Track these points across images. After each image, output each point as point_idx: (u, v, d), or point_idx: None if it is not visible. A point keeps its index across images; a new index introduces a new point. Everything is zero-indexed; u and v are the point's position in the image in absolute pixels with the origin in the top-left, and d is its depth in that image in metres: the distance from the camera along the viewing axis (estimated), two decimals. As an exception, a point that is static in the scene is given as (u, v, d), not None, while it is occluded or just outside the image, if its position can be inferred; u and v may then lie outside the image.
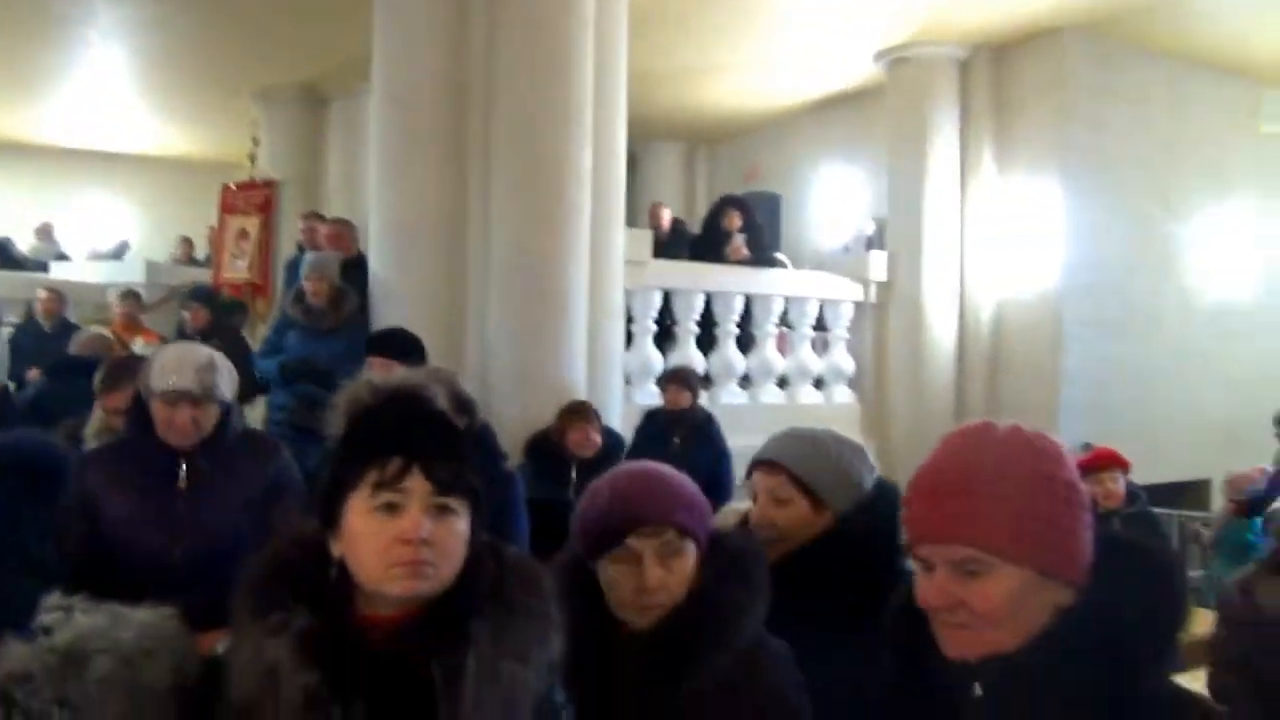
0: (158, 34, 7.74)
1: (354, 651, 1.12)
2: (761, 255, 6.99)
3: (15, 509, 1.18)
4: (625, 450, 4.79)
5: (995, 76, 7.53)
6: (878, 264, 7.32)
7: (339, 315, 4.99)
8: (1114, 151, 7.41)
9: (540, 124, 4.91)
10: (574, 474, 4.40)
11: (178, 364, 2.29)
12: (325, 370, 4.44)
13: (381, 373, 3.30)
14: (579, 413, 4.56)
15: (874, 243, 8.05)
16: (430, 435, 1.21)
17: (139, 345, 5.91)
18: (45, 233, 10.14)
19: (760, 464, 1.84)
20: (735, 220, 7.04)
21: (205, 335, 5.88)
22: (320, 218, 7.00)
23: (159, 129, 10.65)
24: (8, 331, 6.86)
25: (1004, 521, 1.09)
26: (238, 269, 7.95)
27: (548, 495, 3.68)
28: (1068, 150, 7.21)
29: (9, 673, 1.07)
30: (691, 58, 8.13)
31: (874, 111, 8.35)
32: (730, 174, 10.75)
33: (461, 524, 1.18)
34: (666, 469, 1.56)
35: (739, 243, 6.84)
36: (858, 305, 7.27)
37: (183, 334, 5.80)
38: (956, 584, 1.11)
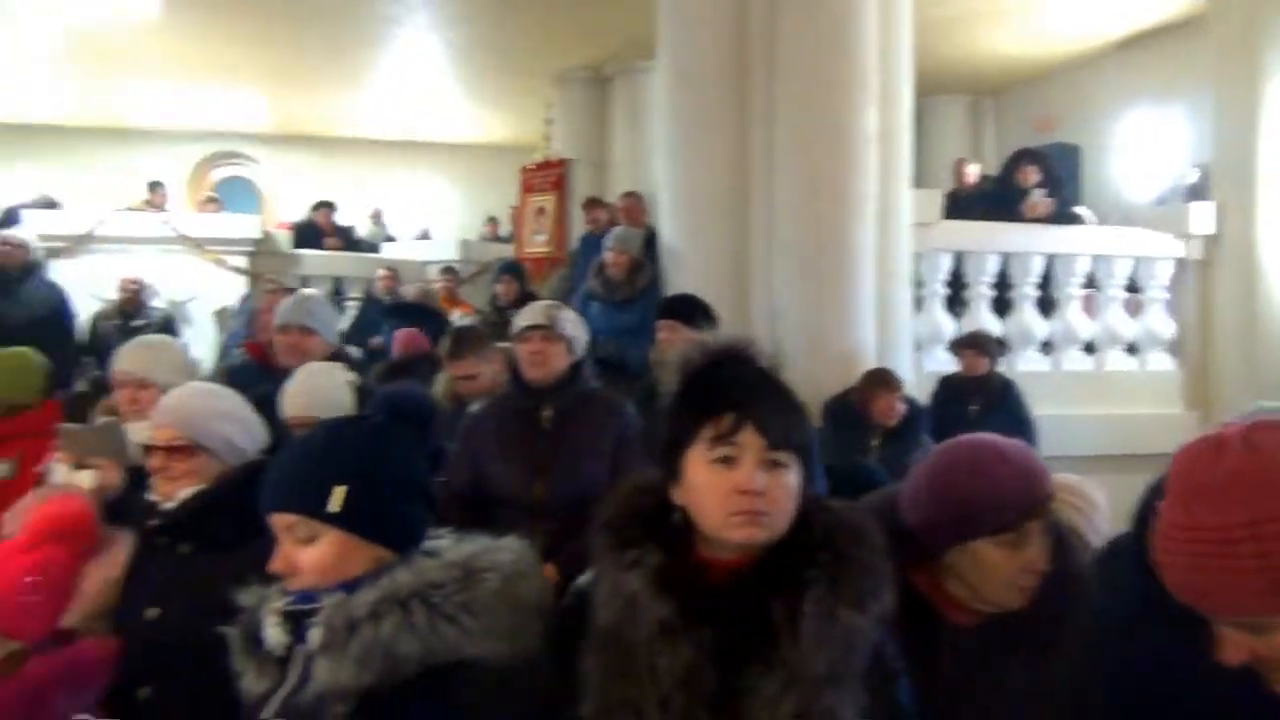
0: (469, 26, 8.43)
1: (700, 588, 1.22)
2: (1062, 211, 6.52)
3: (410, 449, 1.41)
4: (926, 419, 4.65)
5: (1354, -5, 6.48)
6: (1202, 216, 6.54)
7: (634, 287, 5.27)
8: None
9: (824, 89, 4.87)
10: (875, 442, 4.37)
11: (530, 308, 2.75)
12: (618, 360, 4.70)
13: (670, 336, 3.49)
14: (883, 381, 4.48)
15: (1197, 192, 7.23)
16: (761, 392, 1.27)
17: (457, 316, 6.51)
18: (377, 217, 11.46)
19: None
20: (1032, 175, 6.60)
21: (516, 307, 6.38)
22: (599, 203, 7.33)
23: (469, 116, 11.64)
24: (352, 305, 7.85)
25: (1257, 586, 0.95)
26: (537, 244, 8.59)
27: (846, 461, 3.68)
28: None
29: (427, 581, 1.27)
30: (976, 3, 7.68)
31: (1192, 47, 7.46)
32: (1020, 126, 10.05)
33: (792, 477, 1.24)
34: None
35: (1037, 199, 6.41)
36: (1178, 262, 6.56)
37: (495, 306, 6.30)
38: (1243, 639, 1.00)
